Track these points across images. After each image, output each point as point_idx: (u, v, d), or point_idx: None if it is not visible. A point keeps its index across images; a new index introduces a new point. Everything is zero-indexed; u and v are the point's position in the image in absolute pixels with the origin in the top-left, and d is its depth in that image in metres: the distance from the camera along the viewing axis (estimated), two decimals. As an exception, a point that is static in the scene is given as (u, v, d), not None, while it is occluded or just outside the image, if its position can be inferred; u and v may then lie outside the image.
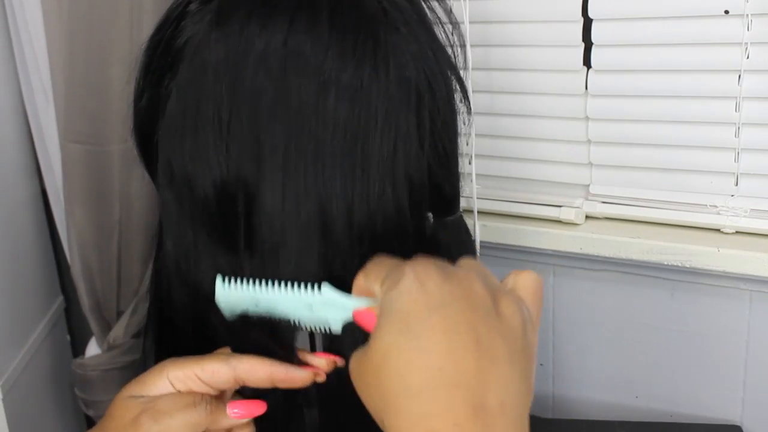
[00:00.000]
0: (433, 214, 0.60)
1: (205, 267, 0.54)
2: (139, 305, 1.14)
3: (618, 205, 0.99)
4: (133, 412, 0.50)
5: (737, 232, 0.92)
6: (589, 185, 1.01)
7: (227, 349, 0.53)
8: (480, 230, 1.00)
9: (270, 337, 0.51)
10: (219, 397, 0.52)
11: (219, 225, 0.53)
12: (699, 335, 0.98)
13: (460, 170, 0.60)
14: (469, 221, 0.62)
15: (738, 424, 0.98)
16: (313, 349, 0.64)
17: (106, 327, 1.16)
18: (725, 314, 0.95)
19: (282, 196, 0.51)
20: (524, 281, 0.47)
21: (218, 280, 0.51)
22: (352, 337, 0.49)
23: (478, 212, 0.99)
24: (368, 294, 0.48)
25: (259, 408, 0.52)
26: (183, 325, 0.58)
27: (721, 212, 0.93)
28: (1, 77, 1.11)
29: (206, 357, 0.52)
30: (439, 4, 0.58)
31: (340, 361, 0.52)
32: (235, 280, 0.51)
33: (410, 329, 0.42)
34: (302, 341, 0.66)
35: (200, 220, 0.53)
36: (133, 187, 1.07)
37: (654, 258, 0.94)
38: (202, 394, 0.51)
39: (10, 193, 1.14)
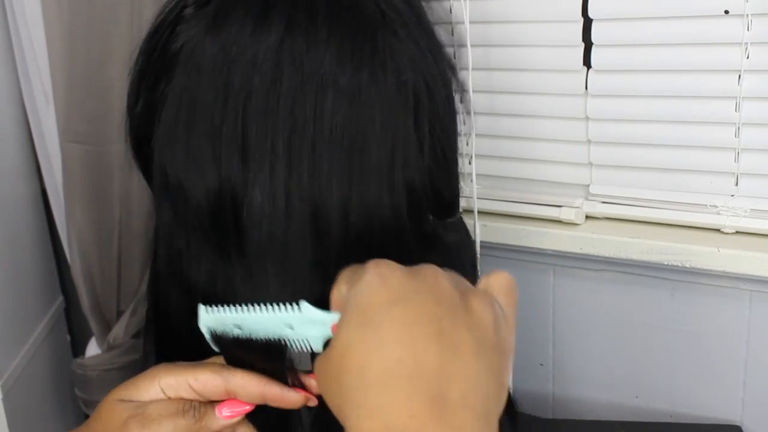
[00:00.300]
0: (432, 216, 0.59)
1: (199, 272, 0.54)
2: (139, 305, 1.14)
3: (618, 205, 0.99)
4: (122, 416, 0.50)
5: (737, 232, 0.92)
6: (589, 185, 1.01)
7: (221, 359, 0.53)
8: (480, 230, 1.00)
9: (265, 355, 0.51)
10: (208, 402, 0.52)
11: (213, 231, 0.53)
12: (699, 335, 0.98)
13: (459, 172, 0.60)
14: (469, 221, 0.62)
15: (738, 424, 0.98)
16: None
17: (106, 327, 1.16)
18: (725, 314, 0.95)
19: (275, 201, 0.51)
20: (496, 281, 0.46)
21: (200, 307, 0.51)
22: None
23: (478, 212, 0.99)
24: (344, 306, 0.47)
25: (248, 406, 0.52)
26: (179, 329, 0.57)
27: (721, 212, 0.93)
28: (1, 77, 1.11)
29: (200, 366, 0.51)
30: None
31: None
32: (218, 306, 0.50)
33: (370, 322, 0.41)
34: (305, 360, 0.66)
35: (194, 226, 0.53)
36: (133, 187, 1.07)
37: (654, 258, 0.94)
38: (191, 401, 0.51)
39: (10, 193, 1.14)
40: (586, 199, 1.01)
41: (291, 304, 0.49)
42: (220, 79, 0.51)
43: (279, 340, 0.50)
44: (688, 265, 0.92)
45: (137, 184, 1.07)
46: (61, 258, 1.25)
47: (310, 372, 0.51)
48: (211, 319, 0.50)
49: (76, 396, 1.22)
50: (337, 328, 0.43)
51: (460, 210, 0.62)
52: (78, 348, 1.31)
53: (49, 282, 1.26)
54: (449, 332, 0.41)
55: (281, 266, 0.52)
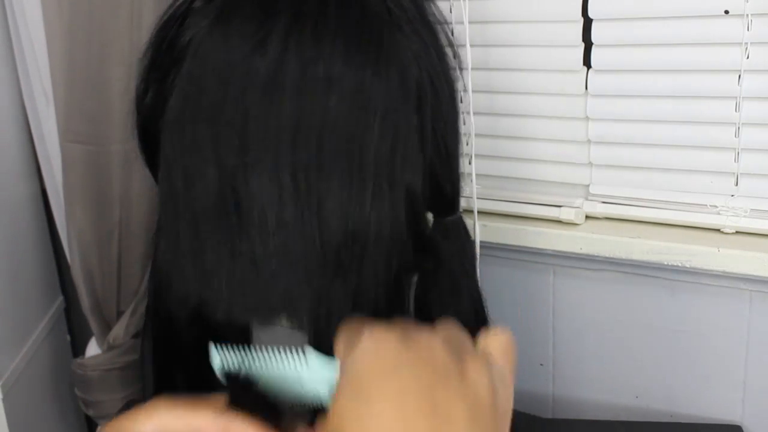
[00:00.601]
0: (433, 213, 0.60)
1: (203, 261, 0.54)
2: (139, 305, 1.14)
3: (618, 205, 0.99)
4: None
5: (737, 232, 0.92)
6: (589, 185, 1.01)
7: (224, 397, 0.53)
8: (480, 230, 1.00)
9: (266, 404, 0.50)
10: None
11: (216, 219, 0.53)
12: (699, 335, 0.98)
13: (460, 170, 0.60)
14: (469, 221, 0.62)
15: (738, 424, 0.98)
16: None
17: (106, 327, 1.16)
18: (725, 314, 0.95)
19: (276, 193, 0.51)
20: (493, 342, 0.46)
21: (212, 347, 0.50)
22: None
23: (478, 212, 0.99)
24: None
25: None
26: (180, 323, 0.58)
27: (721, 212, 0.92)
28: (1, 77, 1.11)
29: (202, 406, 0.50)
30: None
31: None
32: (230, 348, 0.49)
33: (363, 394, 0.41)
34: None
35: (197, 215, 0.53)
36: (133, 187, 1.07)
37: (654, 258, 0.94)
38: None
39: (10, 193, 1.14)
40: (586, 199, 1.01)
41: (298, 352, 0.48)
42: (228, 71, 0.51)
43: (290, 393, 0.49)
44: (688, 265, 0.92)
45: (137, 184, 1.07)
46: (61, 258, 1.25)
47: (311, 423, 0.50)
48: (221, 357, 0.50)
49: (76, 396, 1.22)
50: (334, 395, 0.42)
51: (461, 209, 0.62)
52: (78, 348, 1.31)
53: (49, 282, 1.26)
54: (442, 404, 0.40)
55: (285, 257, 0.52)
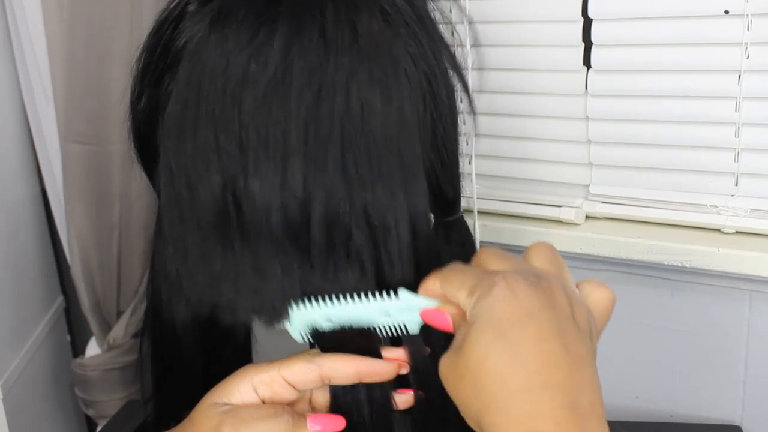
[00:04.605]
0: (434, 214, 0.59)
1: (211, 266, 0.54)
2: (139, 305, 1.14)
3: (618, 205, 0.99)
4: (215, 420, 0.50)
5: (737, 232, 0.92)
6: (589, 185, 1.01)
7: (312, 351, 0.53)
8: (480, 230, 1.00)
9: (358, 339, 0.52)
10: (299, 412, 0.52)
11: (219, 225, 0.53)
12: (699, 335, 0.98)
13: (460, 170, 0.60)
14: (469, 221, 0.62)
15: (738, 424, 0.98)
16: None
17: (106, 327, 1.16)
18: (725, 314, 0.95)
19: (279, 198, 0.51)
20: (597, 297, 0.49)
21: (292, 306, 0.52)
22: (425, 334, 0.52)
23: (478, 212, 0.99)
24: (438, 297, 0.50)
25: (338, 423, 0.52)
26: (181, 325, 0.57)
27: (721, 212, 0.92)
28: (1, 77, 1.11)
29: (290, 358, 0.52)
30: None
31: (424, 351, 0.53)
32: (309, 300, 0.51)
33: (506, 336, 0.44)
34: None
35: (202, 221, 0.53)
36: (133, 187, 1.07)
37: (654, 258, 0.94)
38: (284, 407, 0.51)
39: (10, 193, 1.14)
40: (586, 199, 1.01)
41: (389, 293, 0.51)
42: (225, 75, 0.51)
43: (371, 327, 0.51)
44: (688, 265, 0.92)
45: (137, 184, 1.07)
46: (61, 258, 1.25)
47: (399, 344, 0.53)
48: (300, 315, 0.52)
49: (76, 396, 1.22)
50: (469, 336, 0.45)
51: (461, 209, 0.62)
52: (78, 348, 1.31)
53: (49, 282, 1.26)
54: (572, 346, 0.44)
55: (282, 257, 0.52)
